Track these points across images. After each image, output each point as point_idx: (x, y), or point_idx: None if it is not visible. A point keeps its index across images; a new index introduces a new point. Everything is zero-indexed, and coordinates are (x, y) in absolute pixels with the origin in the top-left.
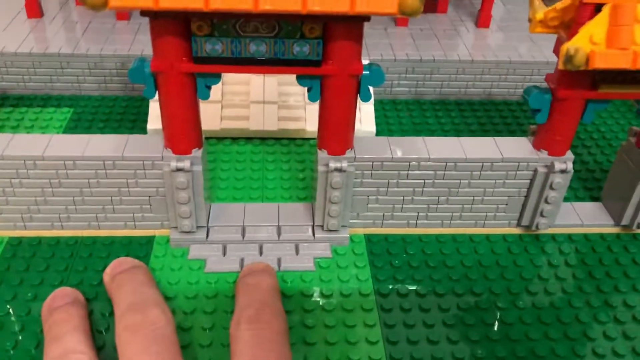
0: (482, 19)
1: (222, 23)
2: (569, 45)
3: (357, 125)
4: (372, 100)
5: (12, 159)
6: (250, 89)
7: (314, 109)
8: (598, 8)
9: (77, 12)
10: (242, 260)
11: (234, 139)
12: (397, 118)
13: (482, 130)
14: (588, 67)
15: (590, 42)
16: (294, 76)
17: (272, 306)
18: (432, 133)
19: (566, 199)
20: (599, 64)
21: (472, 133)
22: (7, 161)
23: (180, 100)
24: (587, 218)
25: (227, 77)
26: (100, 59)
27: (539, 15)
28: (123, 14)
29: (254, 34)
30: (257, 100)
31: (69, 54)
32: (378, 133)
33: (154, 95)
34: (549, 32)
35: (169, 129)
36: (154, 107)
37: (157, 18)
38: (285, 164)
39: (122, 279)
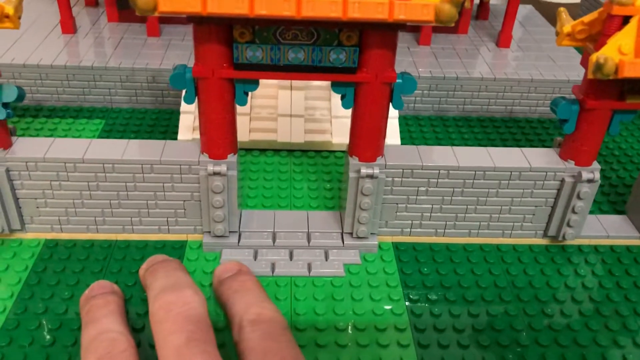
0: (502, 39)
1: (263, 30)
2: (599, 55)
3: None
4: (396, 114)
5: (53, 161)
6: (278, 102)
7: (340, 122)
8: (626, 20)
9: (109, 29)
10: (272, 264)
11: (262, 151)
12: (420, 133)
13: (505, 146)
14: (617, 76)
15: (619, 53)
16: (320, 91)
17: (266, 305)
18: None
19: (590, 212)
20: (628, 73)
21: None
22: (48, 163)
23: (219, 106)
24: (612, 230)
25: (256, 91)
26: (132, 73)
27: (567, 28)
28: (154, 30)
29: (293, 42)
30: (285, 113)
31: (102, 67)
32: None
33: (193, 101)
34: (576, 45)
35: (206, 133)
36: (185, 119)
37: (202, 24)
38: (312, 174)
39: (156, 267)
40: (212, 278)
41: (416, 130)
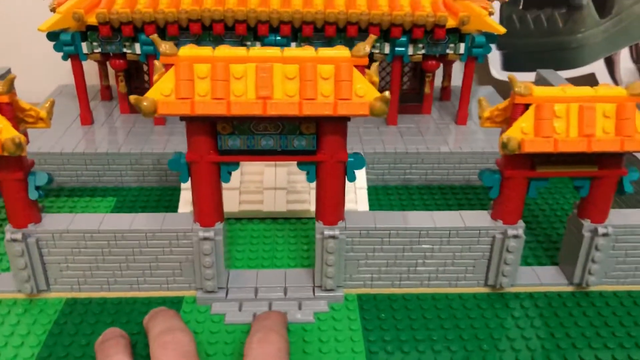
0: (460, 117)
1: (240, 124)
2: (504, 135)
3: (354, 206)
4: (365, 185)
5: (74, 232)
6: (264, 177)
7: None
8: (527, 107)
9: (121, 120)
10: (254, 314)
11: (250, 219)
12: (388, 201)
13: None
14: (521, 151)
15: (522, 133)
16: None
17: (277, 331)
18: None
19: (530, 264)
20: (528, 148)
21: None
22: (70, 234)
23: (208, 183)
24: (545, 279)
25: (245, 168)
26: (140, 157)
27: (486, 113)
28: (160, 120)
29: (264, 132)
30: (270, 186)
31: (115, 153)
32: None
33: (187, 180)
34: (496, 126)
35: (198, 206)
36: (184, 195)
37: (192, 121)
38: (292, 238)
39: (156, 315)
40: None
41: (384, 199)
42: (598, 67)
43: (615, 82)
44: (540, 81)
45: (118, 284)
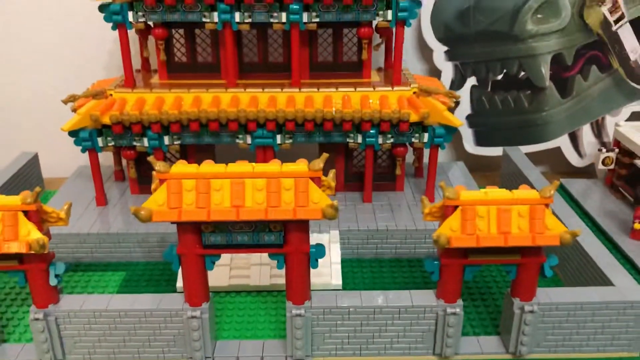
0: (428, 194)
1: (220, 225)
2: (435, 233)
3: (328, 280)
4: (339, 260)
5: (86, 311)
6: (251, 255)
7: None
8: (456, 208)
9: (132, 200)
10: None
11: (238, 292)
12: (361, 274)
13: (424, 283)
14: (450, 246)
15: (450, 230)
16: None
17: None
18: (385, 286)
19: (477, 334)
20: (455, 244)
21: (416, 285)
22: (82, 313)
23: (195, 272)
24: (486, 348)
25: None
26: (146, 236)
27: (426, 210)
28: None
29: (239, 230)
30: (256, 262)
31: (125, 233)
32: (344, 286)
33: (178, 269)
34: (436, 221)
35: (187, 289)
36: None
37: (181, 224)
38: (273, 310)
39: None
40: None
41: (358, 271)
42: (563, 142)
43: (580, 154)
44: (505, 158)
45: (122, 354)
